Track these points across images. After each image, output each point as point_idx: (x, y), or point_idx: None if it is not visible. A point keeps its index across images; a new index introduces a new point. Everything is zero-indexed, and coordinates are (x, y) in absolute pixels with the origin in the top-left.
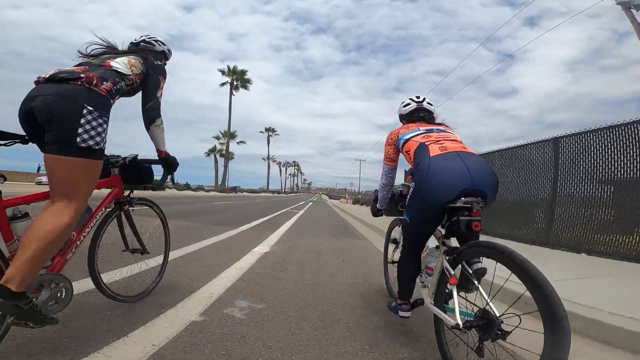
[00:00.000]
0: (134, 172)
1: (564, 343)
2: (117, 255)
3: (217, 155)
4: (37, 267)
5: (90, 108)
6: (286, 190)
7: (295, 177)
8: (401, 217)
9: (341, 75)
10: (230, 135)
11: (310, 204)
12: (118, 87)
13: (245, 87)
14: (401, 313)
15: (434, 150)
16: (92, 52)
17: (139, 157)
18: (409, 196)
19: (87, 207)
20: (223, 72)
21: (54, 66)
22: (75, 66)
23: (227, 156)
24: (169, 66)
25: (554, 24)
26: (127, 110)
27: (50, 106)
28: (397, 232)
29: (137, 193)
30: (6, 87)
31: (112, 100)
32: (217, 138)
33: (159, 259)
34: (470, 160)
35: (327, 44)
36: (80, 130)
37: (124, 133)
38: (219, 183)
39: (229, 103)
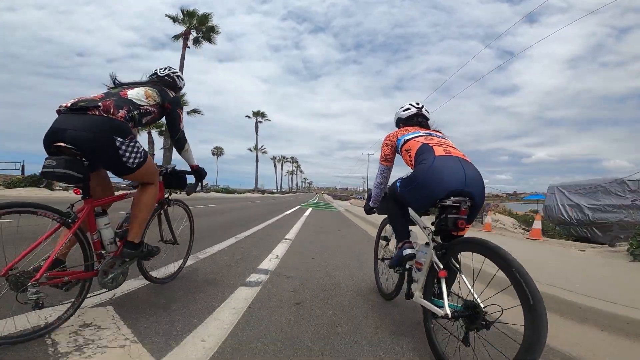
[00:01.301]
0: (173, 179)
1: (543, 330)
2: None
3: (156, 133)
4: (144, 225)
5: (120, 139)
6: (283, 191)
7: (294, 176)
8: None
9: (340, 74)
10: None
11: (309, 211)
12: (131, 114)
13: (209, 40)
14: (406, 252)
15: (439, 151)
16: (114, 84)
17: (176, 168)
18: (406, 178)
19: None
20: (175, 19)
21: (51, 68)
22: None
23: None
24: None
25: (553, 19)
26: None
27: (84, 142)
28: (387, 231)
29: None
30: (5, 90)
31: (130, 124)
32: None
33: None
34: (468, 167)
35: (325, 42)
36: (124, 158)
37: None
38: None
39: (181, 58)
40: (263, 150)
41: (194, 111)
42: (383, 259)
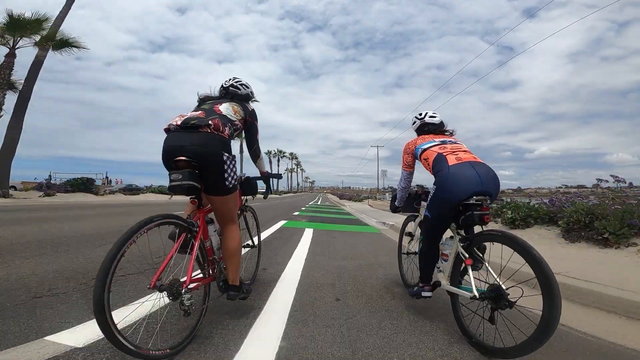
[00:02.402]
0: (247, 186)
1: (557, 306)
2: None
3: None
4: (239, 267)
5: (227, 155)
6: (280, 191)
7: (294, 174)
8: (415, 214)
9: (340, 73)
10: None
11: (306, 243)
12: (231, 130)
13: None
14: (424, 293)
15: (452, 160)
16: (200, 97)
17: (247, 175)
18: (430, 197)
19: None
20: None
21: (49, 72)
22: (195, 110)
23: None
24: (165, 71)
25: (552, 14)
26: (126, 116)
27: (201, 156)
28: (411, 227)
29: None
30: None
31: (231, 141)
32: None
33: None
34: (480, 169)
35: (324, 41)
36: (226, 175)
37: (122, 139)
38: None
39: None
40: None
41: (66, 44)
42: (407, 254)
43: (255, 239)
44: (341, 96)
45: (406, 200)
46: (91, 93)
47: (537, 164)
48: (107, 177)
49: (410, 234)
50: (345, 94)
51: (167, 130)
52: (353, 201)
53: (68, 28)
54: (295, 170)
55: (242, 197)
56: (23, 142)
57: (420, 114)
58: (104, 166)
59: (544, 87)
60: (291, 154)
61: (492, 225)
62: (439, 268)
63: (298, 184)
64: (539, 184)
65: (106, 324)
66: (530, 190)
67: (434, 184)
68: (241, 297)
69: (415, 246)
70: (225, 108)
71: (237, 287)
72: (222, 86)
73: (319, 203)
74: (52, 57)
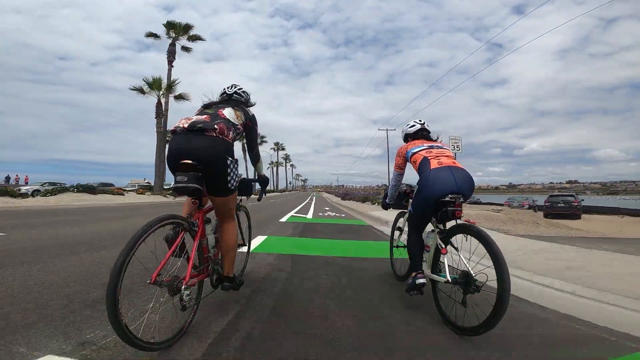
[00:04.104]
0: (243, 187)
1: (506, 285)
2: None
3: None
4: (234, 260)
5: (230, 159)
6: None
7: (282, 168)
8: (405, 210)
9: (331, 70)
10: None
11: None
12: (234, 134)
13: None
14: (419, 281)
15: (434, 164)
16: (204, 103)
17: (244, 177)
18: (414, 195)
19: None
20: None
21: (36, 74)
22: (200, 114)
23: None
24: (152, 71)
25: (541, 11)
26: (115, 117)
27: (206, 160)
28: (401, 222)
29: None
30: None
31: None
32: None
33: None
34: (457, 172)
35: (314, 39)
36: (229, 178)
37: (110, 139)
38: None
39: None
40: (184, 96)
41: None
42: (397, 246)
43: (243, 239)
44: (333, 94)
45: (396, 199)
46: (78, 94)
47: (527, 160)
48: (7, 177)
49: (400, 229)
50: (337, 91)
51: (173, 132)
52: (373, 204)
53: (56, 30)
54: (284, 164)
55: (237, 197)
56: (13, 146)
57: (421, 120)
58: (92, 168)
59: (533, 84)
60: (276, 143)
61: None
62: (424, 260)
63: (290, 182)
64: (529, 180)
65: (116, 318)
66: (523, 186)
67: (417, 184)
68: (236, 286)
69: (404, 239)
70: (228, 112)
71: (231, 278)
72: (224, 92)
73: (309, 217)
74: (32, 57)
